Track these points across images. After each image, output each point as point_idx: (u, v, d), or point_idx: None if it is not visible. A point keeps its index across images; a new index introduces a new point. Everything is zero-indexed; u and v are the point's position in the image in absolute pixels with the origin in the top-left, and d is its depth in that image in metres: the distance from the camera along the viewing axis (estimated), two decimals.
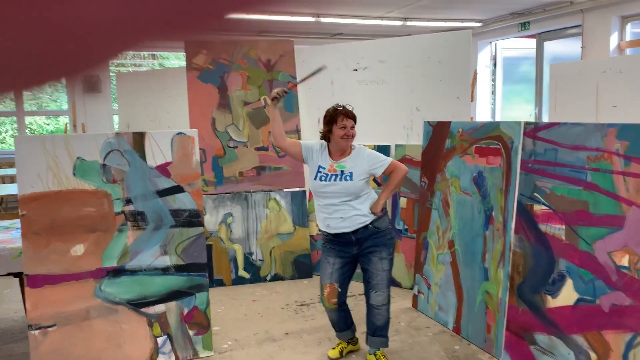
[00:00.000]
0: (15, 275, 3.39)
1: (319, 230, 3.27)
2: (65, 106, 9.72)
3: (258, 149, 5.05)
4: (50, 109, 10.78)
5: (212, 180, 4.96)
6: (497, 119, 9.48)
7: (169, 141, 3.43)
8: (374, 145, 4.47)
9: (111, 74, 9.29)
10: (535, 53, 8.67)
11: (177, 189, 3.44)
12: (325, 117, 3.13)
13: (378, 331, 3.24)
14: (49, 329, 3.15)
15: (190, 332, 3.45)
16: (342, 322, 3.36)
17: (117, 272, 3.30)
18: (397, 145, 4.72)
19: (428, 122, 4.13)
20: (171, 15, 0.52)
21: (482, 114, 9.55)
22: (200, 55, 5.00)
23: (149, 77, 6.77)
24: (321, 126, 3.22)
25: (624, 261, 2.60)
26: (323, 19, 7.68)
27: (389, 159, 3.16)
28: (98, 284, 3.26)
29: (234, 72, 5.03)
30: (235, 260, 4.93)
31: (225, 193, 4.96)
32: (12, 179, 7.48)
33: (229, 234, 4.93)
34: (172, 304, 3.42)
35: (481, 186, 3.55)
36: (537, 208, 3.07)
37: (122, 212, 3.32)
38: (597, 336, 2.72)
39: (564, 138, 2.93)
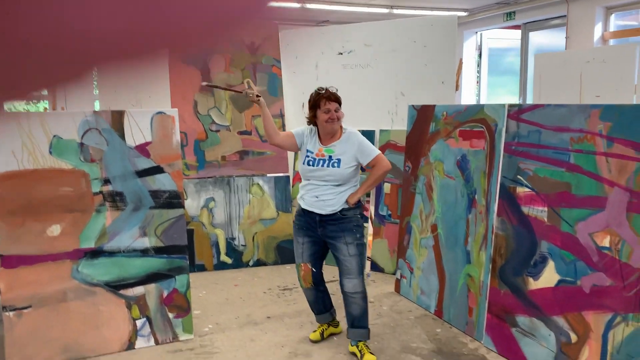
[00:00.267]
0: None
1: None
2: (44, 91, 9.53)
3: (241, 133, 4.98)
4: (32, 112, 10.56)
5: (194, 164, 4.89)
6: None
7: (149, 120, 3.36)
8: (358, 131, 4.43)
9: None
10: (520, 44, 8.69)
11: (157, 170, 3.38)
12: (309, 102, 3.09)
13: (356, 321, 3.15)
14: (24, 311, 3.08)
15: (170, 315, 3.40)
16: (320, 303, 3.33)
17: (95, 253, 3.23)
18: (381, 131, 4.69)
19: (412, 105, 4.10)
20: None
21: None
22: None
23: None
24: (306, 110, 3.17)
25: (605, 242, 2.60)
26: (309, 5, 7.60)
27: (377, 152, 3.08)
28: (75, 265, 3.19)
29: (217, 55, 4.95)
30: (217, 245, 4.88)
31: (207, 177, 4.90)
32: None
33: (211, 218, 4.87)
34: (152, 286, 3.37)
35: (465, 169, 3.54)
36: (520, 190, 3.07)
37: (100, 192, 3.25)
38: (577, 317, 2.72)
39: (548, 120, 2.92)
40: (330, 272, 3.69)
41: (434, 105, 3.87)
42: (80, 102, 9.03)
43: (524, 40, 8.61)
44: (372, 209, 4.82)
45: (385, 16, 8.43)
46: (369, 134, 4.57)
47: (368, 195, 4.66)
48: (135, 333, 3.32)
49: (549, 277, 2.88)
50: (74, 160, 3.19)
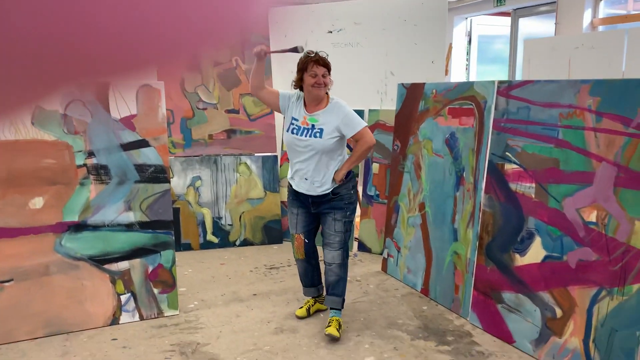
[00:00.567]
0: None
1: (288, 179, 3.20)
2: None
3: (229, 111, 4.93)
4: None
5: (181, 142, 4.83)
6: None
7: (134, 93, 3.30)
8: None
9: None
10: (510, 30, 8.69)
11: (142, 143, 3.32)
12: (297, 64, 3.03)
13: (331, 288, 3.17)
14: (6, 284, 3.02)
15: (155, 291, 3.37)
16: (309, 276, 3.33)
17: (79, 227, 3.18)
18: (370, 110, 4.66)
19: (402, 84, 4.07)
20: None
21: None
22: None
23: None
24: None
25: (592, 217, 2.61)
26: None
27: (363, 125, 2.98)
28: (58, 238, 3.13)
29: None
30: (203, 224, 4.83)
31: (194, 156, 4.84)
32: None
33: (197, 197, 4.82)
34: (136, 261, 3.33)
35: (453, 147, 3.53)
36: (508, 167, 3.06)
37: (84, 165, 3.19)
38: (563, 292, 2.74)
39: (537, 96, 2.91)
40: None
41: (424, 84, 3.85)
42: None
43: (514, 27, 8.60)
44: (360, 189, 4.80)
45: None
46: (357, 114, 4.53)
47: (357, 174, 4.64)
48: (119, 308, 3.28)
49: (535, 253, 2.89)
50: (57, 132, 3.12)
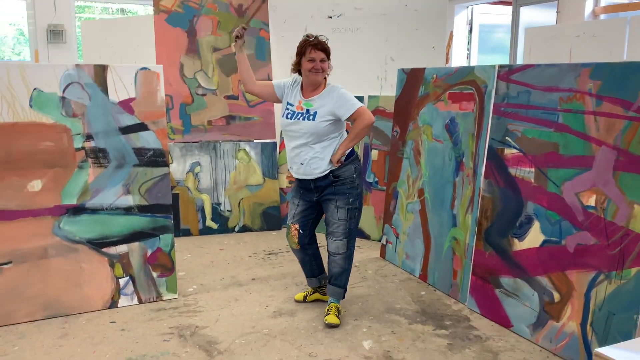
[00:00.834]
0: None
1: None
2: (28, 58, 9.31)
3: (228, 97, 4.91)
4: (11, 61, 10.33)
5: (180, 128, 4.81)
6: None
7: (133, 76, 3.28)
8: None
9: (77, 23, 8.90)
10: (511, 19, 8.64)
11: (141, 127, 3.31)
12: (297, 48, 3.00)
13: (333, 279, 3.13)
14: (4, 266, 3.03)
15: (154, 274, 3.37)
16: (307, 267, 3.29)
17: (77, 210, 3.18)
18: (370, 96, 4.64)
19: (402, 69, 4.06)
20: None
21: None
22: None
23: (116, 25, 6.49)
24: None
25: (591, 201, 2.61)
26: None
27: (358, 104, 2.91)
28: (57, 221, 3.13)
29: (204, 17, 4.85)
30: (202, 210, 4.83)
31: (193, 142, 4.83)
32: None
33: (197, 183, 4.82)
34: (135, 245, 3.33)
35: (453, 132, 3.52)
36: (508, 152, 3.05)
37: (83, 148, 3.18)
38: (561, 276, 2.74)
39: (538, 80, 2.90)
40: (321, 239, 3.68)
41: (424, 68, 3.83)
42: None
43: (515, 16, 8.55)
44: None
45: None
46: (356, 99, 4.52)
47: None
48: (118, 291, 3.29)
49: (534, 237, 2.89)
50: (55, 115, 3.11)
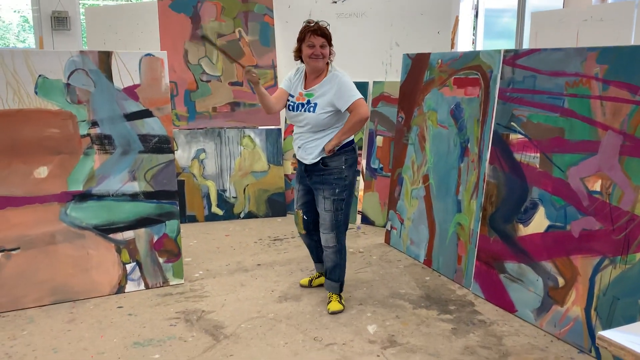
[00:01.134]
0: None
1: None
2: (33, 45, 9.31)
3: (232, 83, 4.90)
4: (16, 48, 10.33)
5: (185, 115, 4.82)
6: None
7: (137, 63, 3.28)
8: None
9: (81, 9, 8.88)
10: (517, 3, 8.55)
11: (146, 113, 3.32)
12: (298, 34, 2.98)
13: (328, 273, 3.11)
14: (13, 252, 3.06)
15: (160, 260, 3.40)
16: (313, 252, 3.31)
17: (84, 196, 3.20)
18: (375, 82, 4.63)
19: (407, 54, 4.03)
20: None
21: None
22: None
23: (120, 11, 6.48)
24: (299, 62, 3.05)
25: (596, 186, 2.60)
26: None
27: (356, 97, 2.83)
28: (63, 208, 3.16)
29: (207, 2, 4.82)
30: (208, 196, 4.85)
31: (198, 128, 4.84)
32: None
33: (202, 170, 4.83)
34: (141, 231, 3.35)
35: (458, 118, 3.51)
36: (513, 137, 3.04)
37: (88, 134, 3.19)
38: (565, 261, 2.74)
39: (544, 64, 2.88)
40: None
41: (429, 54, 3.81)
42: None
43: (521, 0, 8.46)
44: (363, 162, 4.80)
45: None
46: (362, 86, 4.51)
47: (360, 147, 4.63)
48: (125, 277, 3.32)
49: (538, 223, 2.89)
50: (60, 101, 3.12)
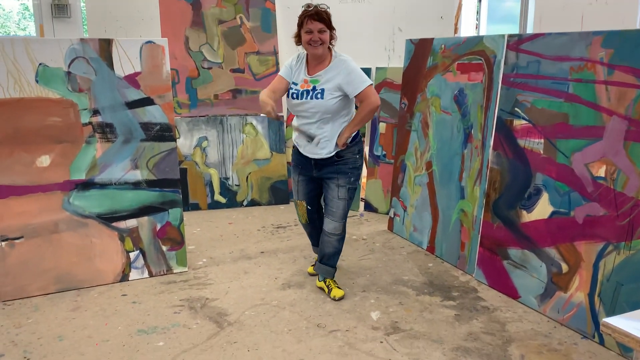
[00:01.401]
0: None
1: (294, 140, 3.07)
2: (33, 33, 9.27)
3: (234, 70, 4.87)
4: (16, 36, 10.28)
5: (186, 103, 4.80)
6: None
7: (138, 50, 3.26)
8: None
9: None
10: None
11: (147, 101, 3.30)
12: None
13: (325, 259, 3.09)
14: (16, 241, 3.07)
15: (164, 248, 3.41)
16: (315, 237, 3.31)
17: (86, 185, 3.20)
18: (377, 68, 4.59)
19: (410, 40, 3.99)
20: None
21: None
22: None
23: None
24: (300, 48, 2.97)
25: (601, 172, 2.58)
26: None
27: (367, 83, 2.77)
28: (66, 196, 3.16)
29: None
30: (211, 184, 4.85)
31: (200, 116, 4.82)
32: None
33: (204, 158, 4.82)
34: (144, 219, 3.35)
35: (462, 104, 3.48)
36: (517, 123, 3.02)
37: (90, 123, 3.18)
38: (569, 247, 2.73)
39: (548, 49, 2.85)
40: None
41: (432, 39, 3.77)
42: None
43: None
44: (366, 149, 4.78)
45: None
46: (364, 72, 4.46)
47: (363, 134, 4.61)
48: (128, 265, 3.33)
49: (542, 209, 2.88)
50: (61, 90, 3.10)
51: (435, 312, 2.88)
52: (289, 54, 4.89)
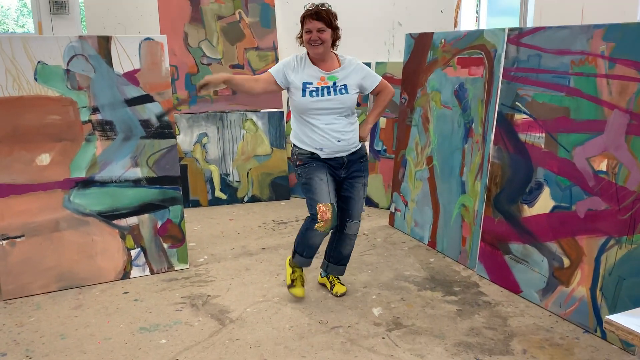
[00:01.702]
0: None
1: (297, 148, 2.83)
2: (32, 30, 9.24)
3: (233, 66, 4.86)
4: (14, 33, 10.26)
5: (186, 99, 4.78)
6: None
7: (137, 47, 3.24)
8: None
9: None
10: None
11: (147, 98, 3.29)
12: None
13: (343, 260, 3.02)
14: (17, 240, 3.06)
15: (165, 245, 3.40)
16: (317, 248, 2.91)
17: (86, 183, 3.19)
18: (377, 63, 4.57)
19: (410, 34, 3.98)
20: None
21: None
22: None
23: None
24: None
25: (602, 166, 2.57)
26: None
27: (380, 77, 2.86)
28: (67, 194, 3.15)
29: None
30: (211, 181, 4.85)
31: (200, 112, 4.81)
32: None
33: (205, 154, 4.82)
34: (145, 217, 3.35)
35: (462, 98, 3.47)
36: (518, 117, 3.01)
37: (89, 121, 3.17)
38: (571, 242, 2.73)
39: (549, 43, 2.83)
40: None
41: (432, 33, 3.75)
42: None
43: None
44: (367, 144, 4.77)
45: None
46: None
47: None
48: (130, 263, 3.33)
49: (543, 203, 2.87)
50: (60, 88, 3.09)
51: (437, 308, 2.88)
52: (289, 49, 4.88)
